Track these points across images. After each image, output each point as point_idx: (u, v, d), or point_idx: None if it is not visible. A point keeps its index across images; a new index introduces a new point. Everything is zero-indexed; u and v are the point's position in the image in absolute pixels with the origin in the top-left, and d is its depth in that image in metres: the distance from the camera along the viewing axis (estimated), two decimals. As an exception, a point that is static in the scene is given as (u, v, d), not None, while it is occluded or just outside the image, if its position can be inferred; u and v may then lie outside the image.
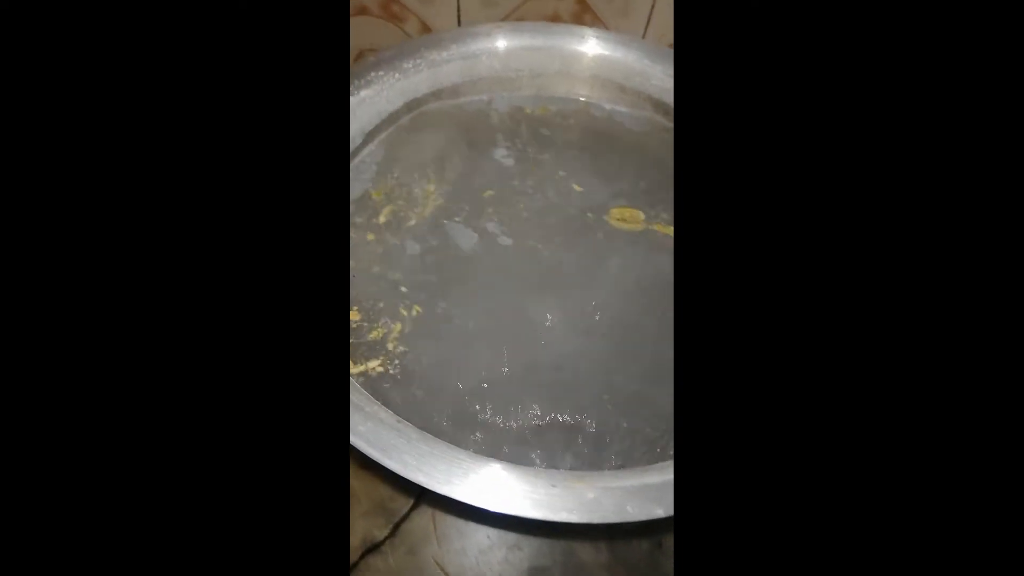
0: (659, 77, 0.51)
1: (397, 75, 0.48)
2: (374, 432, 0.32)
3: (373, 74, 0.47)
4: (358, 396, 0.35)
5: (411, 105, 0.49)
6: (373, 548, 0.49)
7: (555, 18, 0.64)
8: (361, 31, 0.65)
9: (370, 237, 0.44)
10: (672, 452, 0.36)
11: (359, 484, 0.47)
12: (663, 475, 0.33)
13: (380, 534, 0.49)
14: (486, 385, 0.39)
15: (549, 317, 0.41)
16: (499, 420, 0.38)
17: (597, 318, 0.42)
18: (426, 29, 0.63)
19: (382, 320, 0.41)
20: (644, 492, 0.32)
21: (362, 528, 0.48)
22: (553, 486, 0.31)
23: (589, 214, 0.46)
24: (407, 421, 0.34)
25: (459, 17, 0.63)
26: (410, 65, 0.48)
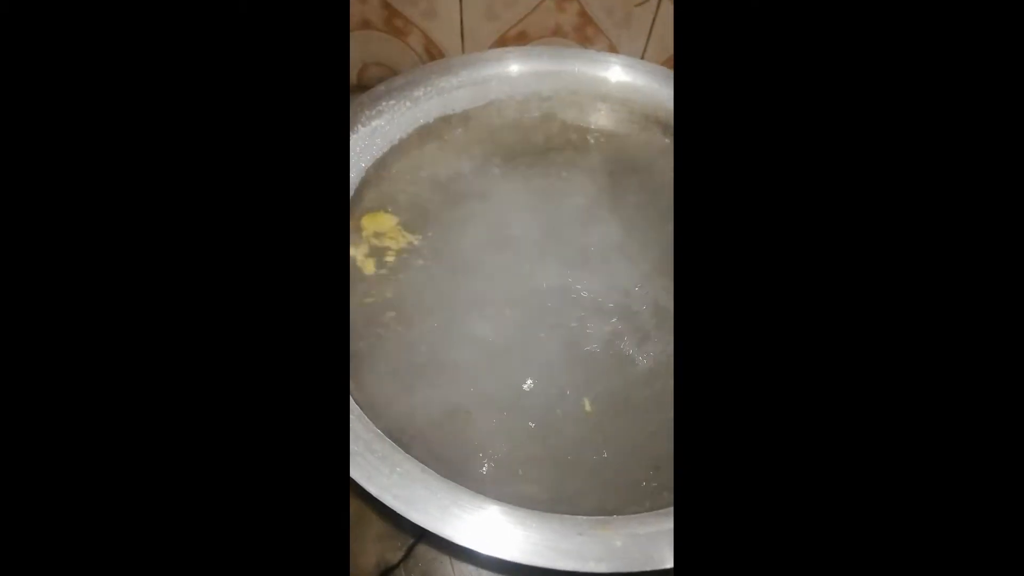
0: (667, 99, 0.52)
1: (408, 103, 0.48)
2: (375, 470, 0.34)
3: (384, 103, 0.47)
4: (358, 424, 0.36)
5: (422, 132, 0.49)
6: (388, 571, 0.50)
7: (557, 31, 0.64)
8: (364, 45, 0.65)
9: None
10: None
11: (371, 508, 0.48)
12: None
13: (394, 557, 0.50)
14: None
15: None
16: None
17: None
18: (429, 42, 0.63)
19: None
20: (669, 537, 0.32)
21: (376, 551, 0.49)
22: (579, 534, 0.32)
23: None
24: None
25: (462, 30, 0.63)
26: (420, 93, 0.49)
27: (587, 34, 0.64)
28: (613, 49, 0.66)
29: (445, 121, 0.50)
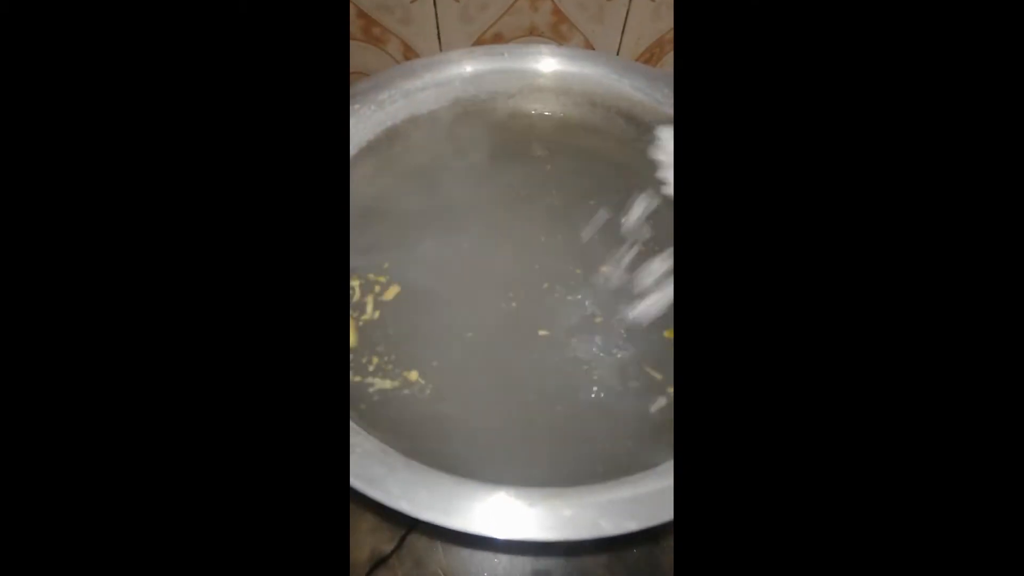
0: (627, 90, 0.52)
1: (373, 107, 0.50)
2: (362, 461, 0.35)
3: (351, 108, 0.49)
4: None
5: (390, 133, 0.51)
6: (381, 562, 0.51)
7: (533, 30, 0.65)
8: (345, 54, 0.67)
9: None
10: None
11: (363, 501, 0.50)
12: (636, 489, 0.35)
13: (387, 548, 0.52)
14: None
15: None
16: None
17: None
18: (408, 49, 0.65)
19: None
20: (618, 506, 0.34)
21: (369, 543, 0.51)
22: (531, 506, 0.34)
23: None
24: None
25: (439, 35, 0.64)
26: (385, 96, 0.50)
27: (562, 31, 0.65)
28: (589, 45, 0.67)
29: (412, 123, 0.52)
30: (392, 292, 0.47)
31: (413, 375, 0.43)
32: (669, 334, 0.45)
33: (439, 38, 0.64)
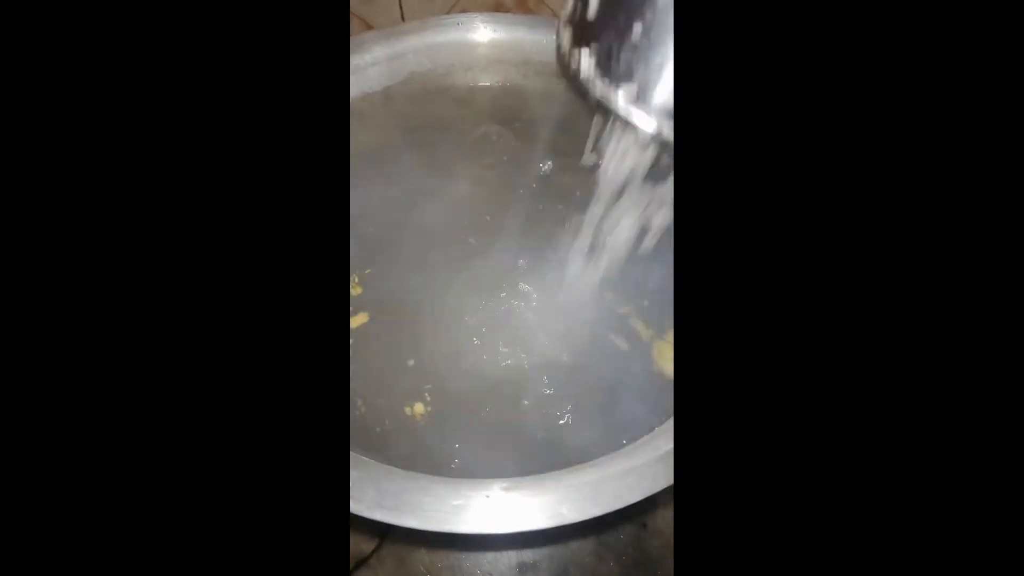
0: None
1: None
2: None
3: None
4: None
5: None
6: (362, 562, 0.50)
7: (499, 6, 0.63)
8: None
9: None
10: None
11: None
12: (596, 473, 0.34)
13: (367, 547, 0.50)
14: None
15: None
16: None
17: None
18: (369, 29, 0.63)
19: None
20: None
21: (350, 543, 0.49)
22: (487, 496, 0.32)
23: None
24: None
25: (402, 14, 0.62)
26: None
27: (529, 6, 0.63)
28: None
29: (366, 100, 0.50)
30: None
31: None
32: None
33: (403, 18, 0.62)
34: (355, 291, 0.47)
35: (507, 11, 0.63)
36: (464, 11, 0.62)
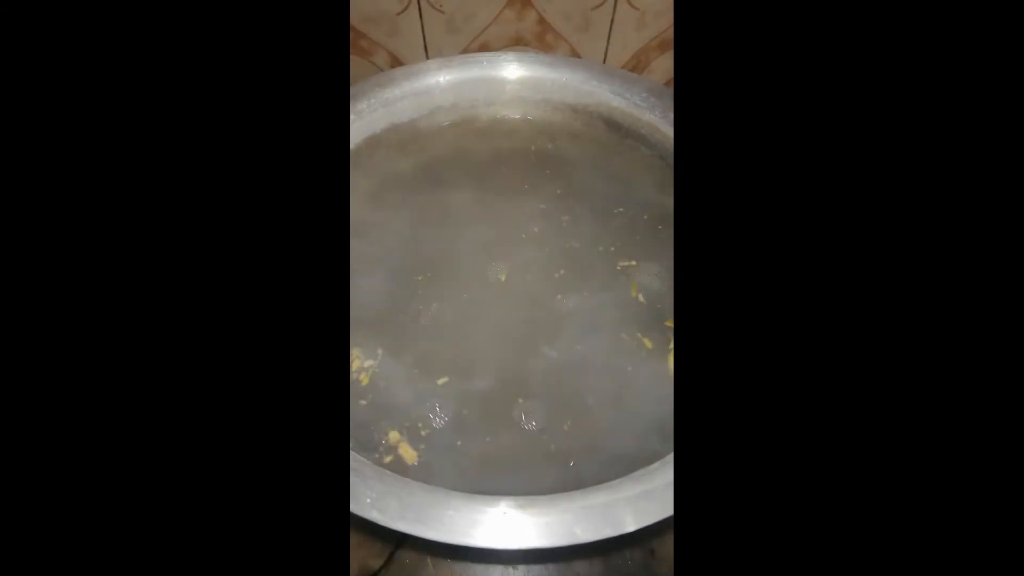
0: (607, 95, 0.53)
1: (353, 116, 0.50)
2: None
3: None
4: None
5: (370, 142, 0.52)
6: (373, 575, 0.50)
7: (518, 39, 0.66)
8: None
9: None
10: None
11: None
12: (612, 494, 0.35)
13: (376, 563, 0.51)
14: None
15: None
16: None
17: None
18: (395, 60, 0.66)
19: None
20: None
21: (358, 558, 0.50)
22: (505, 514, 0.34)
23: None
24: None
25: (425, 46, 0.65)
26: (364, 106, 0.51)
27: (548, 41, 0.66)
28: (575, 54, 0.67)
29: (393, 131, 0.53)
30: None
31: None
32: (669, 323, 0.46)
33: (425, 49, 0.65)
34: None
35: (526, 44, 0.66)
36: (485, 43, 0.65)
